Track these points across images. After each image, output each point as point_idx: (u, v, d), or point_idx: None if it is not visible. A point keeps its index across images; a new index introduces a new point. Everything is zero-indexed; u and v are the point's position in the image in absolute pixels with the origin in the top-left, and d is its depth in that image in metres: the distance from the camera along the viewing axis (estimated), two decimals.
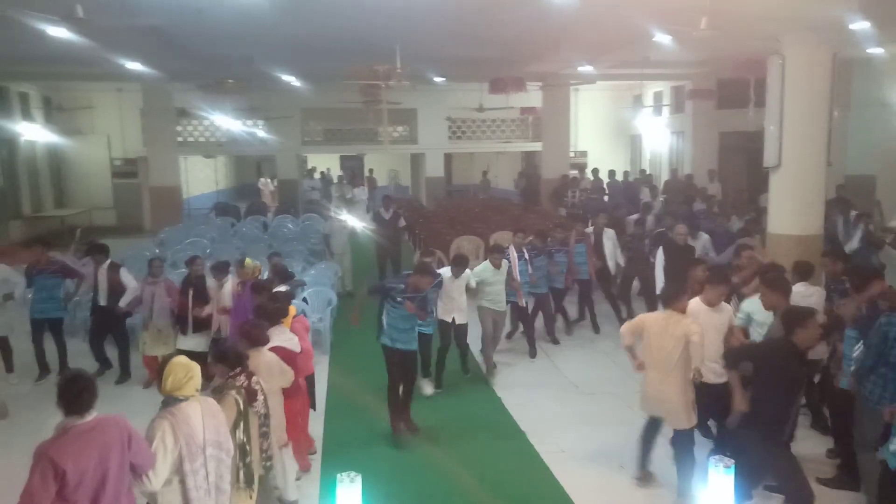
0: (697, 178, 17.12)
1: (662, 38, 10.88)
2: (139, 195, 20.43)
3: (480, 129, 23.07)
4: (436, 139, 22.81)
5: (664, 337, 5.12)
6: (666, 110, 21.02)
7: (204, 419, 3.69)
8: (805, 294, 5.99)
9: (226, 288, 7.58)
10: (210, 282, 7.78)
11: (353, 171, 28.41)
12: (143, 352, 7.82)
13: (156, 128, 18.48)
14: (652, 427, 5.44)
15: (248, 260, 7.59)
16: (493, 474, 5.85)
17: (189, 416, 3.64)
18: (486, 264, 8.15)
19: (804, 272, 6.30)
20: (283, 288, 6.55)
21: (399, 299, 6.31)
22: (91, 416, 3.34)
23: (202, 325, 7.64)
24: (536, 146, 21.25)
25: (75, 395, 3.32)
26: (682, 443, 5.23)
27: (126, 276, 8.01)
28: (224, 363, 4.22)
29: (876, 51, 12.77)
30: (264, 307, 5.45)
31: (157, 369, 3.80)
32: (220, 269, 7.68)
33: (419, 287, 6.38)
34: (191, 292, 7.61)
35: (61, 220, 18.61)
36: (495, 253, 8.18)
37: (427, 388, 7.46)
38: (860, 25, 9.65)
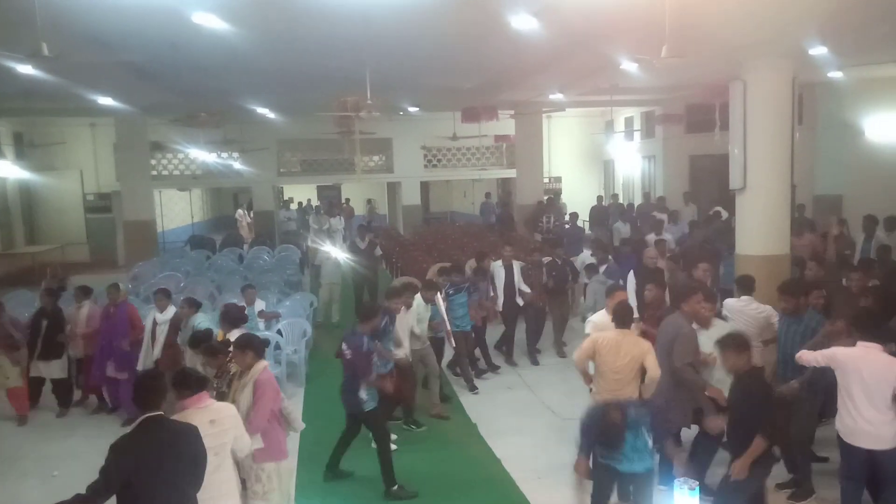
0: (672, 201, 17.36)
1: (629, 66, 11.13)
2: (113, 230, 20.22)
3: (455, 157, 23.26)
4: (411, 168, 22.95)
5: (618, 356, 5.26)
6: (637, 135, 21.36)
7: None
8: (750, 311, 6.10)
9: (82, 312, 8.15)
10: (68, 307, 8.44)
11: (331, 201, 28.45)
12: (6, 386, 7.98)
13: (129, 162, 18.37)
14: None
15: (119, 284, 8.50)
16: (467, 501, 5.83)
17: None
18: (419, 300, 7.75)
19: (746, 286, 6.43)
20: (237, 332, 6.07)
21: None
22: None
23: (56, 352, 8.09)
24: (511, 173, 21.46)
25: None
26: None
27: None
28: (186, 388, 4.25)
29: (836, 74, 13.14)
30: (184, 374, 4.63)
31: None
32: (82, 294, 8.35)
33: (374, 328, 6.33)
34: (44, 324, 8.08)
35: (33, 256, 18.33)
36: (428, 289, 7.94)
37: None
38: (818, 51, 9.97)
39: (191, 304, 7.61)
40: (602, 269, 9.74)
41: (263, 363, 5.01)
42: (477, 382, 8.79)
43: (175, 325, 7.61)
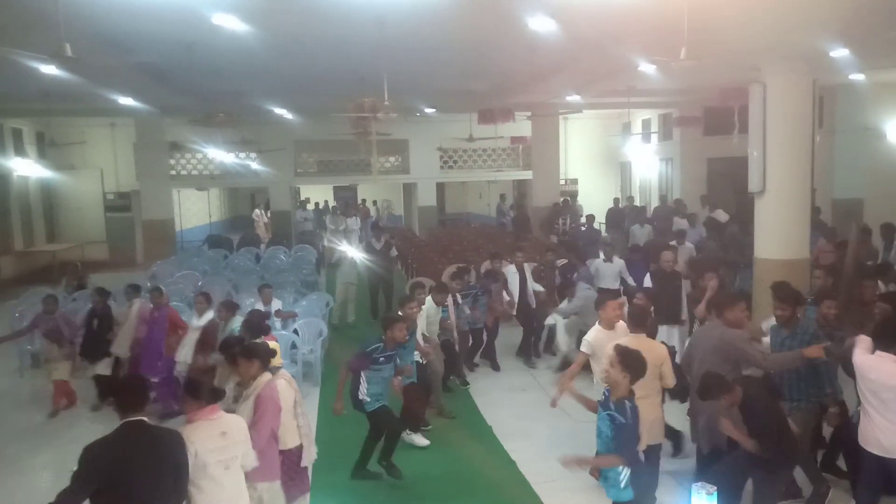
0: (689, 204, 17.23)
1: (647, 68, 11.09)
2: (132, 229, 20.46)
3: (472, 158, 23.27)
4: (427, 169, 22.99)
5: None
6: (654, 137, 21.24)
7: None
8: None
9: (132, 311, 8.16)
10: (117, 306, 8.55)
11: (347, 201, 28.58)
12: (52, 377, 8.18)
13: (149, 161, 18.58)
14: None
15: (161, 287, 8.48)
16: (481, 503, 5.82)
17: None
18: (430, 303, 7.85)
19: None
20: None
21: (382, 359, 6.05)
22: None
23: (105, 351, 8.19)
24: (527, 174, 21.43)
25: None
26: (653, 458, 5.34)
27: None
28: (198, 398, 4.07)
29: (857, 77, 12.99)
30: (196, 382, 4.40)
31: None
32: (133, 292, 8.40)
33: (397, 339, 6.15)
34: (95, 323, 8.19)
35: (53, 254, 18.57)
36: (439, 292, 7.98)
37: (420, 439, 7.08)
38: (839, 53, 9.86)
39: (228, 307, 7.45)
40: (574, 276, 9.67)
41: (267, 376, 4.74)
42: (491, 384, 8.85)
43: (208, 330, 7.48)
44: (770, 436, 4.57)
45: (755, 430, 4.62)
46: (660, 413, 5.39)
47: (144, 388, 3.80)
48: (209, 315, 7.64)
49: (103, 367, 8.23)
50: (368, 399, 6.02)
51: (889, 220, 10.27)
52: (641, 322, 5.48)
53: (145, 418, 3.62)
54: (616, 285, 10.15)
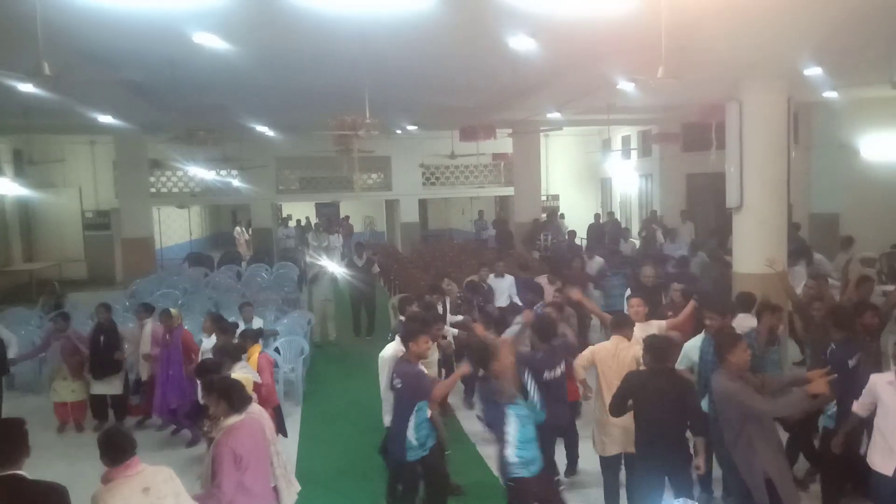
0: (669, 219, 17.42)
1: (626, 86, 11.23)
2: (111, 247, 20.25)
3: (454, 175, 23.38)
4: (410, 185, 23.06)
5: (615, 363, 5.34)
6: (634, 154, 21.47)
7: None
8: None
9: (145, 331, 7.95)
10: (129, 325, 8.38)
11: (329, 218, 28.57)
12: (52, 399, 8.08)
13: (128, 179, 18.43)
14: (612, 474, 5.44)
15: (173, 310, 8.05)
16: None
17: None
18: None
19: (746, 303, 6.39)
20: (238, 371, 5.62)
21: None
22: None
23: (114, 368, 7.98)
24: (509, 191, 21.56)
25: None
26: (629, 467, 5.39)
27: (3, 332, 8.40)
28: (106, 455, 3.59)
29: (831, 95, 13.26)
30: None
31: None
32: (144, 311, 8.17)
33: (420, 354, 5.29)
34: (101, 339, 7.95)
35: (31, 273, 18.33)
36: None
37: None
38: (814, 72, 10.07)
39: (224, 329, 6.91)
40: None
41: (233, 420, 4.17)
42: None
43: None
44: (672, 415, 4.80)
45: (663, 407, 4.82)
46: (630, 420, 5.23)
47: (22, 436, 3.31)
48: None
49: (114, 386, 8.02)
50: (415, 444, 5.08)
51: (865, 233, 10.46)
52: (623, 327, 5.55)
53: (22, 472, 3.18)
54: (506, 303, 9.65)
